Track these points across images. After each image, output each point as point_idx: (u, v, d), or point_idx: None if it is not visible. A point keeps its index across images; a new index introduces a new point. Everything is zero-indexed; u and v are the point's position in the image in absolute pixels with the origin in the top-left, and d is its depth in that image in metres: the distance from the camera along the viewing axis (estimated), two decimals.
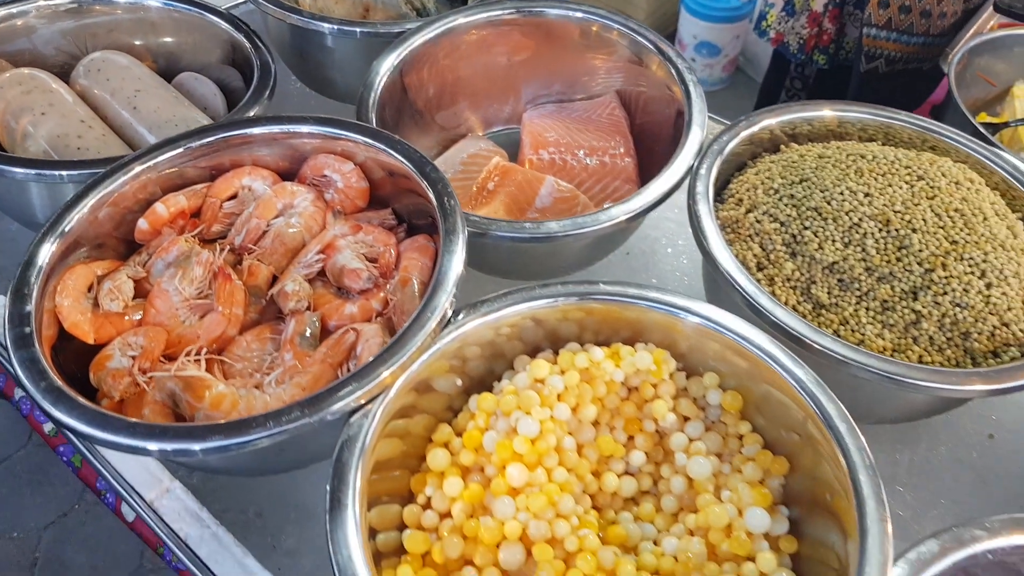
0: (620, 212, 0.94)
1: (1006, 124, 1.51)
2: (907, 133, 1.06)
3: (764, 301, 0.84)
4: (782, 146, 1.06)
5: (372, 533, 0.71)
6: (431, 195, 0.87)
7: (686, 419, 0.82)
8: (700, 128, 1.03)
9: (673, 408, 0.82)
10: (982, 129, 1.21)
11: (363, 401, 0.72)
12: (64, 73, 1.20)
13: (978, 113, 1.60)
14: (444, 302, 0.78)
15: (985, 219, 0.88)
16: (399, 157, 0.91)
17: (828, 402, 0.73)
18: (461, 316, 0.81)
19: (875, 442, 0.91)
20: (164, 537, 0.76)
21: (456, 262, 0.82)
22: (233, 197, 0.96)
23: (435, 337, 0.77)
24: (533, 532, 0.72)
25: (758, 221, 0.94)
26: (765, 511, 0.73)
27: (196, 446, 0.68)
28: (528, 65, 1.26)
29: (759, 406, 0.80)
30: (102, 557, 2.10)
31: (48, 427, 1.08)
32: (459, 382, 0.83)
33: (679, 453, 0.79)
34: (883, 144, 1.04)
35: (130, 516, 0.96)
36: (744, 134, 1.02)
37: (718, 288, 0.90)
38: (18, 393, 1.10)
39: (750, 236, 0.94)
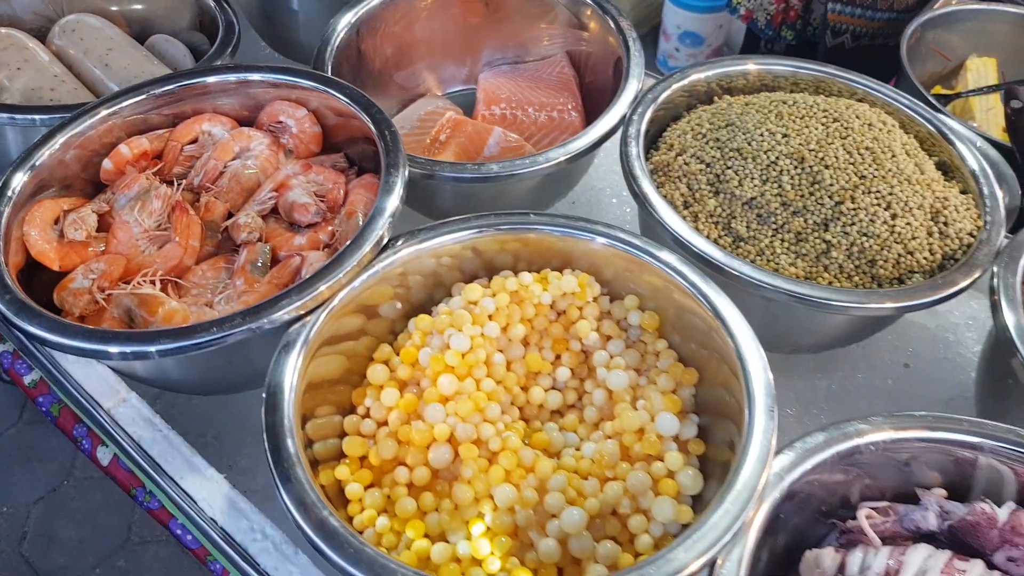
0: (558, 154, 1.00)
1: (957, 95, 1.58)
2: (837, 86, 1.12)
3: (688, 234, 0.90)
4: (715, 98, 1.12)
5: (309, 442, 0.77)
6: (375, 134, 0.94)
7: (609, 338, 0.88)
8: (637, 79, 1.10)
9: (597, 328, 0.88)
10: (933, 100, 1.27)
11: (301, 312, 0.78)
12: (41, 36, 1.26)
13: (934, 86, 1.67)
14: (381, 227, 0.84)
15: (893, 156, 0.94)
16: (346, 100, 0.97)
17: (729, 311, 0.79)
18: (400, 242, 0.87)
19: (795, 370, 0.98)
20: (124, 443, 0.82)
21: (395, 194, 0.88)
22: (194, 142, 1.02)
23: (372, 258, 0.83)
24: (460, 434, 0.78)
25: (686, 163, 1.00)
26: (675, 416, 0.80)
27: (151, 347, 0.74)
28: (483, 29, 1.32)
29: (674, 324, 0.87)
30: (90, 531, 2.15)
31: (28, 378, 1.13)
32: (399, 305, 0.89)
33: (600, 368, 0.86)
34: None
35: (105, 459, 1.02)
36: (676, 86, 1.08)
37: (649, 228, 0.97)
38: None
39: (678, 177, 1.00)
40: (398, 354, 0.87)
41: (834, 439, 0.73)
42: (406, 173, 0.90)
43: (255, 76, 1.01)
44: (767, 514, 0.67)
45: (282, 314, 0.77)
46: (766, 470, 0.67)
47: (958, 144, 1.02)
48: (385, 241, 0.85)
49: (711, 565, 0.63)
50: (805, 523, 0.77)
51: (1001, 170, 1.00)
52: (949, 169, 1.03)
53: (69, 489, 2.25)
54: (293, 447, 0.68)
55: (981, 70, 1.58)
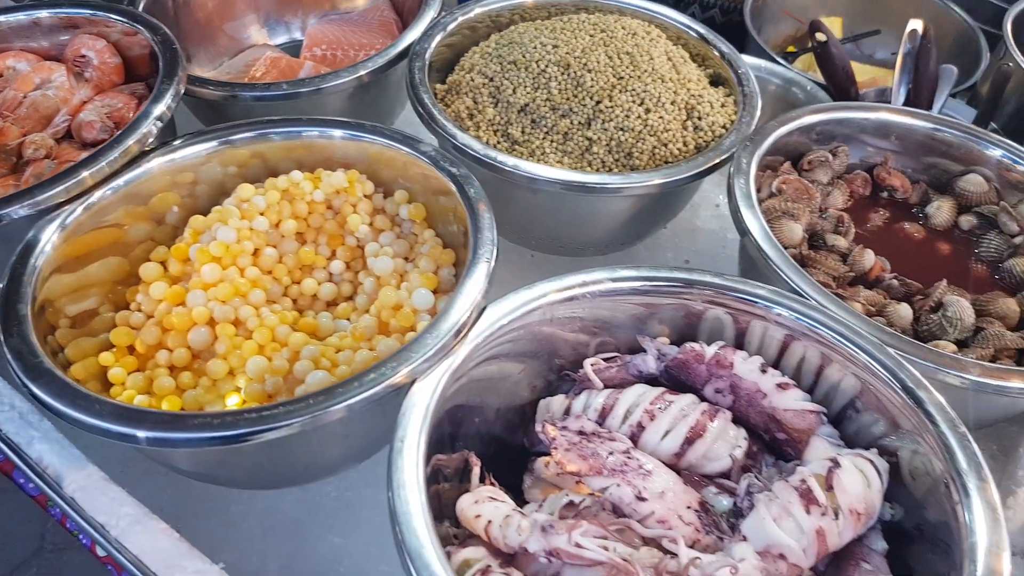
0: (348, 73, 1.06)
1: (797, 53, 1.69)
2: (631, 12, 1.19)
3: (467, 140, 0.95)
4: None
5: (73, 325, 0.80)
6: (159, 53, 0.98)
7: (381, 231, 0.92)
8: (433, 10, 1.16)
9: (371, 224, 0.92)
10: (779, 58, 1.36)
11: (60, 200, 0.81)
12: None
13: (788, 47, 1.78)
14: (144, 128, 0.88)
15: (651, 59, 1.01)
16: (130, 23, 1.01)
17: (472, 190, 0.84)
18: (178, 143, 0.91)
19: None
20: None
21: (163, 102, 0.92)
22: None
23: (137, 152, 0.87)
24: (218, 315, 0.82)
25: (472, 79, 1.06)
26: (429, 291, 0.84)
27: None
28: None
29: (440, 215, 0.91)
30: (1, 539, 2.10)
31: None
32: (175, 209, 0.93)
33: (371, 258, 0.90)
34: None
35: None
36: (462, 19, 1.14)
37: (443, 143, 1.02)
38: None
39: (465, 93, 1.05)
40: None
41: (547, 291, 0.77)
42: (180, 86, 0.94)
43: (44, 13, 1.04)
44: (473, 350, 0.72)
45: (41, 199, 0.80)
46: (470, 309, 0.72)
47: (732, 62, 1.09)
48: (151, 140, 0.88)
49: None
50: (540, 374, 0.82)
51: None
52: (723, 80, 1.10)
53: None
54: (25, 310, 0.71)
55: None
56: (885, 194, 1.05)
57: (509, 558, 0.62)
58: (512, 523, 0.61)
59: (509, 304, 0.75)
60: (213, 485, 0.82)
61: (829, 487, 0.63)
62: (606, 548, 0.57)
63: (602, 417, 0.75)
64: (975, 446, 0.64)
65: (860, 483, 0.64)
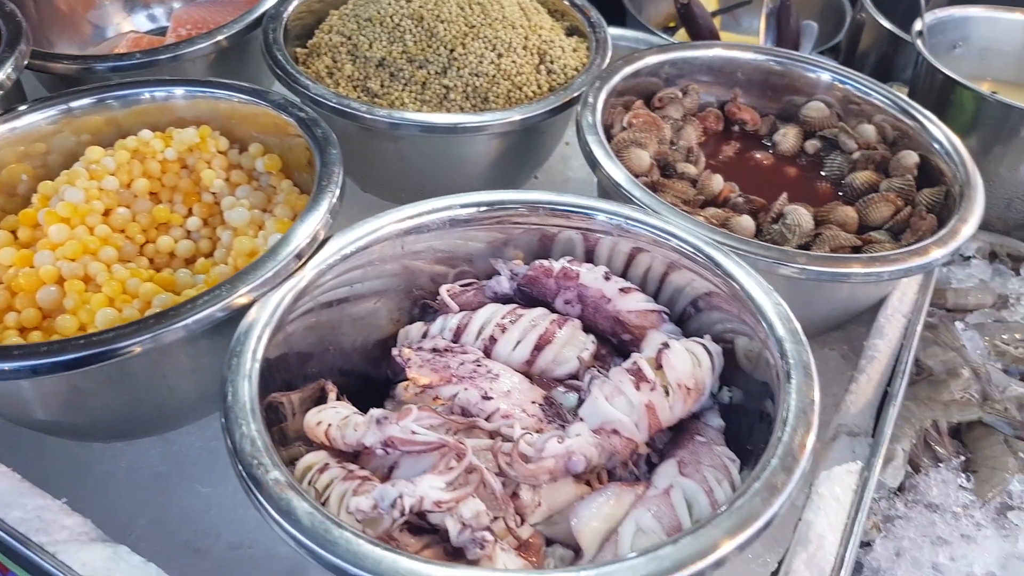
0: (206, 39, 1.06)
1: (676, 27, 1.75)
2: None
3: (326, 95, 0.96)
4: None
5: None
6: (1, 25, 0.96)
7: (238, 185, 0.92)
8: None
9: (227, 179, 0.92)
10: (657, 31, 1.42)
11: None
12: None
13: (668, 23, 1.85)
14: None
15: (502, 7, 1.04)
16: None
17: (319, 130, 0.85)
18: (22, 108, 0.89)
19: None
20: None
21: (4, 70, 0.90)
22: None
23: None
24: (66, 272, 0.80)
25: (330, 39, 1.07)
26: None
27: None
28: None
29: (297, 165, 0.92)
30: None
31: None
32: (25, 177, 0.91)
33: (227, 211, 0.90)
34: None
35: None
36: None
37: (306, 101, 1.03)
38: None
39: (324, 53, 1.06)
40: None
41: (393, 220, 0.78)
42: (23, 58, 0.93)
43: None
44: (318, 276, 0.72)
45: None
46: (311, 236, 0.72)
47: (584, 10, 1.13)
48: None
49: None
50: (401, 307, 0.83)
51: None
52: (579, 31, 1.14)
53: None
54: None
55: (704, 2, 1.76)
56: (737, 128, 1.09)
57: (352, 458, 0.63)
58: (350, 422, 0.61)
59: (354, 233, 0.76)
60: (74, 443, 0.81)
61: (658, 366, 0.66)
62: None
63: (457, 336, 0.76)
64: (798, 326, 0.67)
65: (689, 361, 0.67)
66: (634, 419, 0.63)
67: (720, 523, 0.51)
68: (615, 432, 0.63)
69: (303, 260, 0.72)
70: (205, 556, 0.77)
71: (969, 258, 1.19)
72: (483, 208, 0.80)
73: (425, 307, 0.83)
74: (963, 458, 0.88)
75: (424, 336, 0.78)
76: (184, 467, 0.82)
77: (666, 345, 0.67)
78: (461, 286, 0.82)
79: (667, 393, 0.64)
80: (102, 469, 0.82)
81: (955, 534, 0.80)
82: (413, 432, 0.58)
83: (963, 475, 0.85)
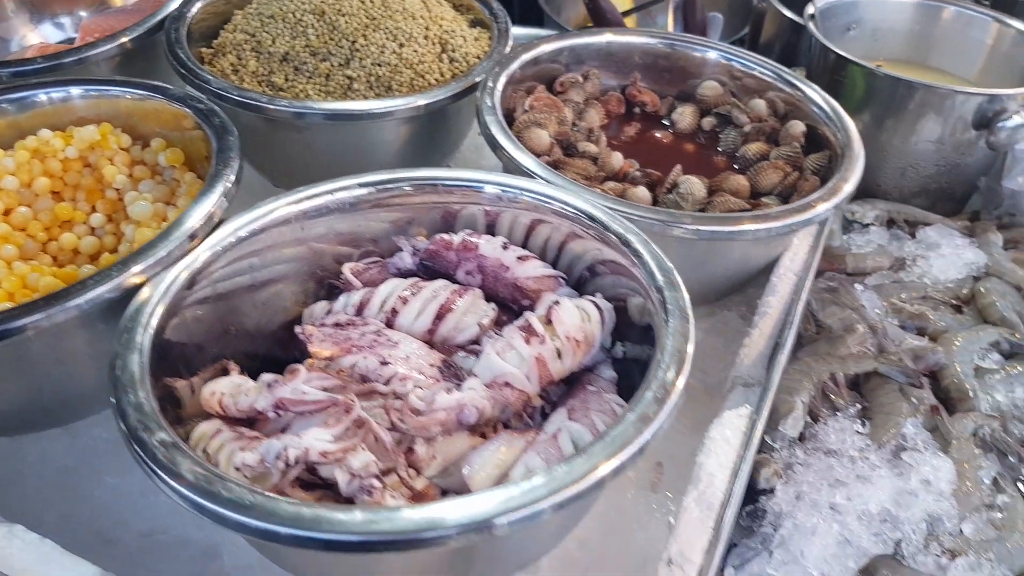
0: (111, 40, 1.06)
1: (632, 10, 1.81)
2: None
3: (231, 91, 0.97)
4: None
5: None
6: None
7: (141, 180, 0.93)
8: None
9: (130, 175, 0.92)
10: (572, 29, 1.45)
11: None
12: None
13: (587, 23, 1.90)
14: None
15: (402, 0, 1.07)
16: None
17: (218, 119, 0.86)
18: None
19: None
20: None
21: None
22: None
23: None
24: None
25: (235, 37, 1.08)
26: None
27: None
28: None
29: (200, 159, 0.92)
30: None
31: None
32: None
33: (130, 205, 0.90)
34: None
35: None
36: None
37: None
38: None
39: (229, 51, 1.07)
40: None
41: (289, 201, 0.80)
42: None
43: None
44: (214, 256, 0.73)
45: None
46: (205, 217, 0.73)
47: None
48: None
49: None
50: (307, 289, 0.84)
51: None
52: (482, 23, 1.17)
53: None
54: None
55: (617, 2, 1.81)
56: (638, 110, 1.13)
57: (247, 426, 0.64)
58: (242, 389, 0.62)
59: (250, 215, 0.77)
60: None
61: (548, 322, 0.68)
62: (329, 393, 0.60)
63: (360, 311, 0.78)
64: (677, 277, 0.70)
65: (578, 316, 0.69)
66: (524, 371, 0.65)
67: (596, 450, 0.53)
68: (507, 385, 0.65)
69: (197, 240, 0.72)
70: (116, 545, 0.77)
71: (868, 226, 1.25)
72: (380, 186, 0.82)
73: (331, 288, 0.84)
74: (860, 407, 0.92)
75: (328, 314, 0.79)
76: (91, 459, 0.82)
77: (556, 303, 0.69)
78: (365, 264, 0.83)
79: (556, 346, 0.67)
80: (8, 467, 0.81)
81: (852, 476, 0.83)
82: (303, 393, 0.59)
83: (860, 422, 0.89)
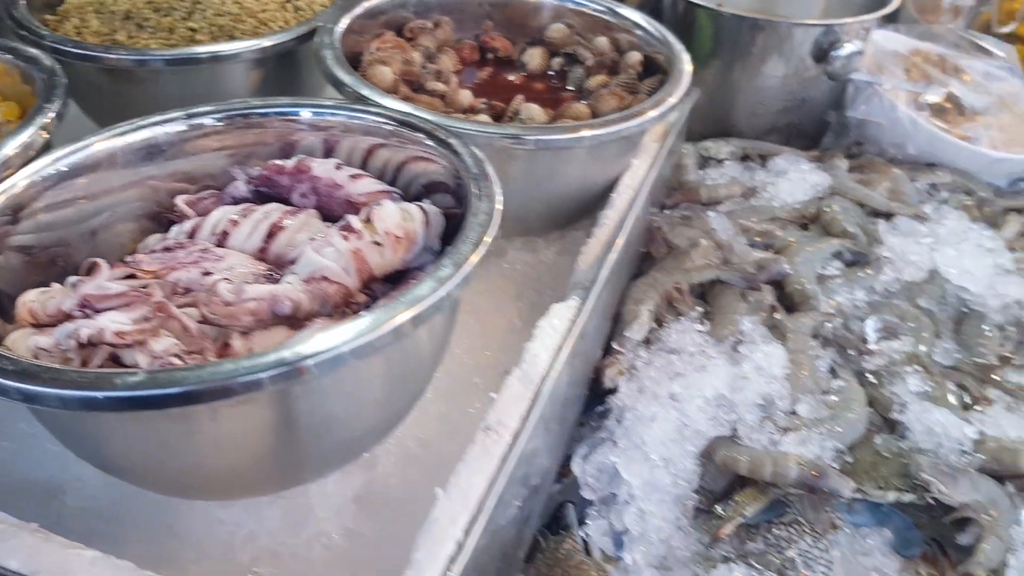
0: None
1: None
2: None
3: (56, 38, 0.96)
4: None
5: None
6: None
7: None
8: None
9: None
10: None
11: None
12: None
13: None
14: None
15: None
16: None
17: (47, 61, 0.86)
18: None
19: None
20: None
21: None
22: None
23: None
24: None
25: (77, 2, 1.07)
26: None
27: None
28: None
29: None
30: None
31: None
32: None
33: None
34: None
35: None
36: None
37: None
38: None
39: (72, 16, 1.07)
40: None
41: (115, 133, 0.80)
42: None
43: None
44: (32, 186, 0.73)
45: None
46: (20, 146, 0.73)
47: None
48: None
49: None
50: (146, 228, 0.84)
51: None
52: None
53: None
54: None
55: None
56: (491, 56, 1.17)
57: None
58: (49, 294, 0.62)
59: (74, 146, 0.76)
60: None
61: (367, 220, 0.70)
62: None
63: (192, 237, 0.78)
64: (493, 178, 0.73)
65: (398, 215, 0.71)
66: (342, 264, 0.67)
67: (395, 305, 0.55)
68: (325, 279, 0.66)
69: (12, 170, 0.72)
70: None
71: (723, 161, 1.31)
72: (216, 115, 0.82)
73: (169, 224, 0.84)
74: (703, 311, 0.97)
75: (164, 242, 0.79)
76: None
77: (378, 204, 0.71)
78: (199, 196, 0.83)
79: (377, 242, 0.68)
80: None
81: (690, 368, 0.87)
82: (107, 288, 0.59)
83: (701, 323, 0.94)
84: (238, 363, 0.51)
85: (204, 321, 0.61)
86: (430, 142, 0.78)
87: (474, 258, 0.60)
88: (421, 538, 0.54)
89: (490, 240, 0.62)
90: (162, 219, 0.84)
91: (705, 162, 1.31)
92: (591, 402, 0.90)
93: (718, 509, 0.79)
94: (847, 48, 1.24)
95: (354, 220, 0.69)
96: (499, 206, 0.66)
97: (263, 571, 0.64)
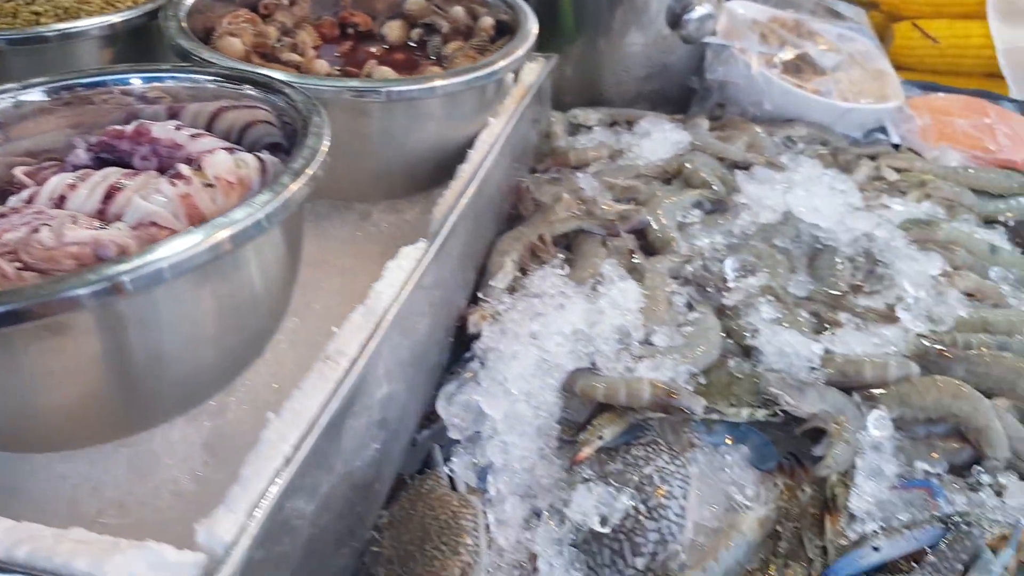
0: None
1: None
2: None
3: None
4: None
5: None
6: None
7: None
8: None
9: None
10: None
11: None
12: None
13: None
14: None
15: None
16: None
17: None
18: None
19: None
20: None
21: None
22: None
23: None
24: None
25: None
26: None
27: None
28: None
29: None
30: None
31: None
32: None
33: None
34: None
35: None
36: None
37: None
38: None
39: None
40: None
41: None
42: None
43: None
44: None
45: None
46: None
47: None
48: None
49: None
50: None
51: None
52: None
53: None
54: None
55: None
56: (352, 31, 1.18)
57: None
58: None
59: None
60: None
61: (198, 168, 0.70)
62: None
63: (29, 204, 0.76)
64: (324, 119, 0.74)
65: (230, 161, 0.71)
66: (171, 209, 0.67)
67: (210, 227, 0.56)
68: (153, 224, 0.66)
69: None
70: None
71: (592, 128, 1.35)
72: (49, 87, 0.81)
73: (6, 195, 0.82)
74: (566, 259, 1.00)
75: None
76: None
77: (209, 152, 0.71)
78: (39, 166, 0.82)
79: (208, 186, 0.68)
80: None
81: (550, 308, 0.89)
82: None
83: (562, 268, 0.96)
84: (56, 283, 0.50)
85: (25, 268, 0.60)
86: (263, 94, 0.79)
87: (294, 185, 0.61)
88: (250, 456, 0.54)
89: (312, 172, 0.63)
90: (4, 193, 0.83)
91: (576, 130, 1.35)
92: (459, 353, 0.91)
93: (579, 436, 0.81)
94: (698, 11, 1.30)
95: (183, 167, 0.69)
96: (327, 141, 0.67)
97: (109, 522, 0.62)
